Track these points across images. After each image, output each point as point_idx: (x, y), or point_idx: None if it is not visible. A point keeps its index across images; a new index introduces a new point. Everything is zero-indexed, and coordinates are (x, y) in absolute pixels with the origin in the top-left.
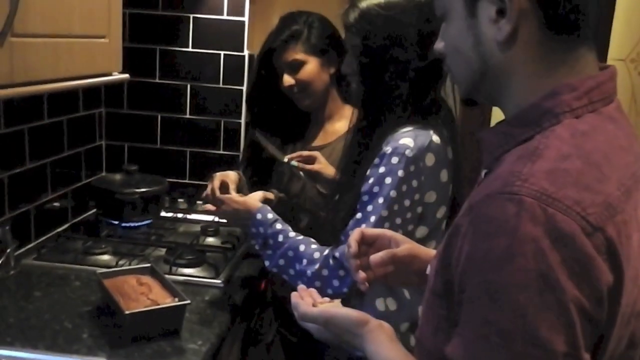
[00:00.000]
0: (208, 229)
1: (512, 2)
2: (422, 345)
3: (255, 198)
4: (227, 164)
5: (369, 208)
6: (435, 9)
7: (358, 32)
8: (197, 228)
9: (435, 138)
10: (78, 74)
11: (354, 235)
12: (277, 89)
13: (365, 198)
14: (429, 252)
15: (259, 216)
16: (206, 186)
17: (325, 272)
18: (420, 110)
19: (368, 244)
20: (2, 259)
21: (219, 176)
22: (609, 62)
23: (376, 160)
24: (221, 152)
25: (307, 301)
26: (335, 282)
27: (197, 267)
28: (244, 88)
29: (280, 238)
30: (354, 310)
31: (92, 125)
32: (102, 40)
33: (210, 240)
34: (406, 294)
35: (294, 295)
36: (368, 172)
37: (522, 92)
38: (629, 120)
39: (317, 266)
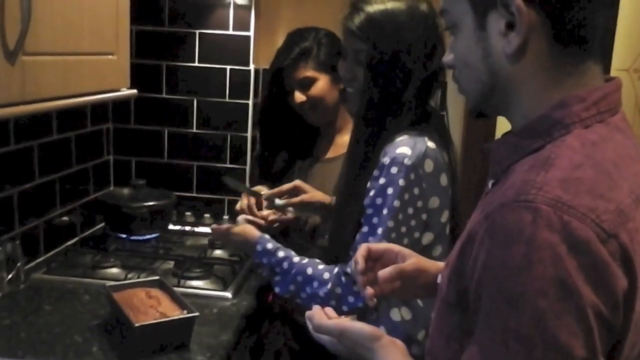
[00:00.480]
0: (215, 242)
1: (522, 16)
2: (433, 355)
3: (251, 228)
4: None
5: (374, 220)
6: (445, 23)
7: (364, 36)
8: (205, 241)
9: (430, 144)
10: (87, 91)
11: (361, 251)
12: (287, 105)
13: (369, 211)
14: (436, 264)
15: (259, 248)
16: (214, 200)
17: (338, 290)
18: (417, 118)
19: (375, 260)
20: (12, 274)
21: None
22: (613, 72)
23: (375, 172)
24: (228, 165)
25: (321, 314)
26: (351, 299)
27: (205, 279)
28: (250, 102)
29: (286, 265)
30: (367, 324)
31: (99, 140)
32: (110, 57)
33: (218, 253)
34: (419, 302)
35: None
36: (368, 185)
37: (530, 103)
38: (633, 130)
39: (329, 286)
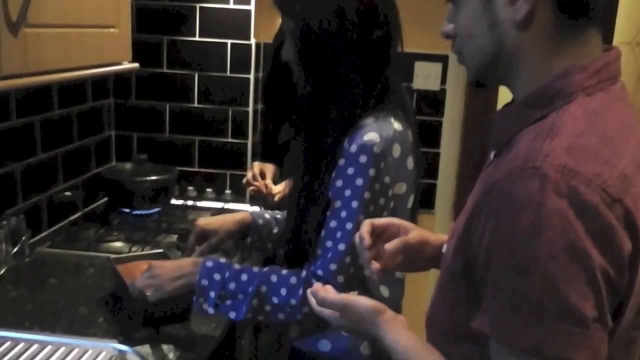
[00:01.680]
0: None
1: None
2: (435, 324)
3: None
4: (235, 152)
5: (343, 214)
6: None
7: (292, 13)
8: (207, 215)
9: (397, 125)
10: (89, 64)
11: (365, 228)
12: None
13: (337, 204)
14: (438, 236)
15: (209, 264)
16: (216, 174)
17: None
18: (375, 96)
19: (377, 235)
20: (17, 248)
21: (257, 165)
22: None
23: (341, 161)
24: (229, 140)
25: (325, 289)
26: None
27: (209, 253)
28: (251, 76)
29: (245, 277)
30: (371, 299)
31: (101, 116)
32: (112, 30)
33: None
34: (384, 291)
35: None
36: (334, 174)
37: (534, 72)
38: (631, 99)
39: (300, 291)
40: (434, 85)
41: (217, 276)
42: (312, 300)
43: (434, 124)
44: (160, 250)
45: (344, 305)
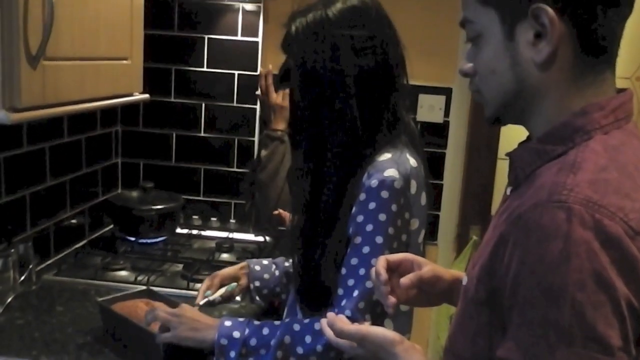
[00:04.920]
0: (223, 245)
1: (554, 27)
2: (454, 355)
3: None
4: (240, 181)
5: (366, 250)
6: (467, 33)
7: (291, 58)
8: (212, 244)
9: (413, 162)
10: (102, 95)
11: (381, 263)
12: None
13: (357, 240)
14: (449, 272)
15: (227, 323)
16: (220, 203)
17: None
18: (385, 129)
19: (392, 270)
20: (24, 275)
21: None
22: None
23: (362, 196)
24: (235, 169)
25: (342, 320)
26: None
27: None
28: (257, 107)
29: (266, 331)
30: (388, 330)
31: (108, 143)
32: (125, 62)
33: (225, 256)
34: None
35: (326, 317)
36: (354, 210)
37: (553, 111)
38: None
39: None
40: (437, 117)
41: (236, 334)
42: (329, 332)
43: (438, 155)
44: (144, 288)
45: (363, 336)
